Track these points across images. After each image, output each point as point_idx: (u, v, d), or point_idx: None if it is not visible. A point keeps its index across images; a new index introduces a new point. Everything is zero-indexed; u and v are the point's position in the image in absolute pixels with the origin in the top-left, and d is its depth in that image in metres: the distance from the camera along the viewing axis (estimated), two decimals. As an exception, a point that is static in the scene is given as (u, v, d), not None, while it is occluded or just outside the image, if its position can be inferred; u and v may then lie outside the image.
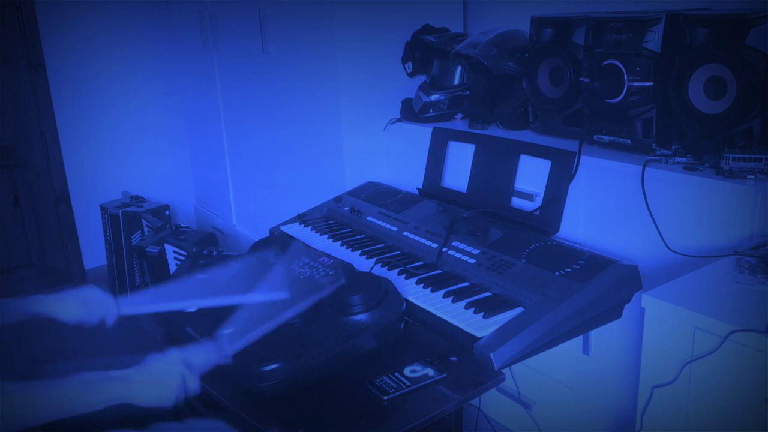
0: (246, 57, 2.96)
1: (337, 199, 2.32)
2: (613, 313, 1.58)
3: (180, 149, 4.02)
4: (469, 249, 1.78)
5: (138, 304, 1.53)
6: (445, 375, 1.38)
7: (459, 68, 2.41)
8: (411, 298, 1.63)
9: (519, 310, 1.52)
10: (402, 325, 1.51)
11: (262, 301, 1.45)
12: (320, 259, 1.76)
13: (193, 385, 1.24)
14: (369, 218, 2.14)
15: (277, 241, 1.95)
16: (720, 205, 1.50)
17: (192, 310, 1.57)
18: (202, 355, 1.28)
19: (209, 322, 1.52)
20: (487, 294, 1.62)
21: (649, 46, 1.69)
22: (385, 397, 1.32)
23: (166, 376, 1.21)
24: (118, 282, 3.58)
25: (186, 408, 1.50)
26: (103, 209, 3.57)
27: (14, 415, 1.09)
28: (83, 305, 1.44)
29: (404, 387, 1.34)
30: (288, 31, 2.63)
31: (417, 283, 1.71)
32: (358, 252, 1.95)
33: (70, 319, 1.44)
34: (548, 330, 1.44)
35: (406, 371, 1.40)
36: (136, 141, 3.94)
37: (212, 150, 3.59)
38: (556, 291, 1.51)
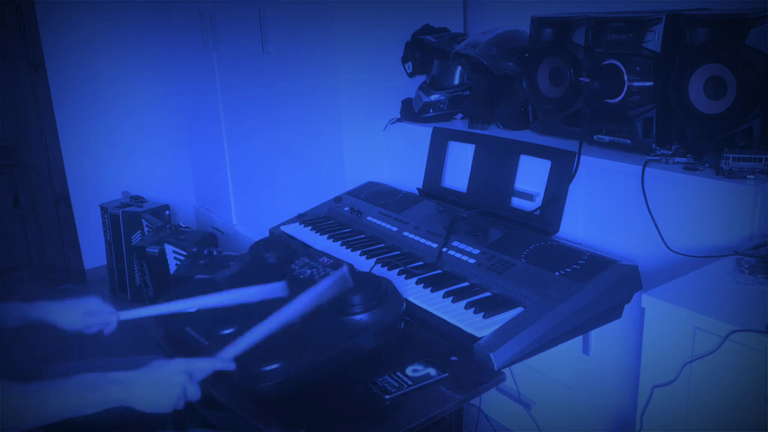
0: (246, 57, 2.96)
1: (337, 199, 2.32)
2: (613, 313, 1.58)
3: (180, 149, 4.03)
4: (469, 249, 1.78)
5: (138, 311, 1.54)
6: (446, 375, 1.38)
7: (459, 68, 2.41)
8: (411, 298, 1.63)
9: (519, 310, 1.52)
10: (402, 325, 1.51)
11: (260, 298, 1.45)
12: (320, 259, 1.76)
13: (193, 393, 1.24)
14: (369, 218, 2.14)
15: (277, 241, 1.95)
16: (720, 205, 1.50)
17: (191, 310, 1.57)
18: (206, 364, 1.28)
19: (209, 322, 1.52)
20: (487, 294, 1.62)
21: (649, 46, 1.69)
22: (387, 397, 1.32)
23: (166, 382, 1.21)
24: (118, 282, 3.58)
25: (186, 409, 1.51)
26: (103, 209, 3.58)
27: (13, 416, 1.09)
28: (85, 315, 1.46)
29: (406, 386, 1.34)
30: (288, 31, 2.63)
31: (417, 283, 1.71)
32: (358, 252, 1.95)
33: (70, 327, 1.46)
34: (548, 330, 1.44)
35: (408, 371, 1.39)
36: (136, 141, 3.94)
37: (212, 150, 3.60)
38: (556, 291, 1.52)
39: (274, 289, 1.47)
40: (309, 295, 1.39)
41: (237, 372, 1.34)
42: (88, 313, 1.46)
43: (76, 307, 1.46)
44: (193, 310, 1.55)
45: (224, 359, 1.29)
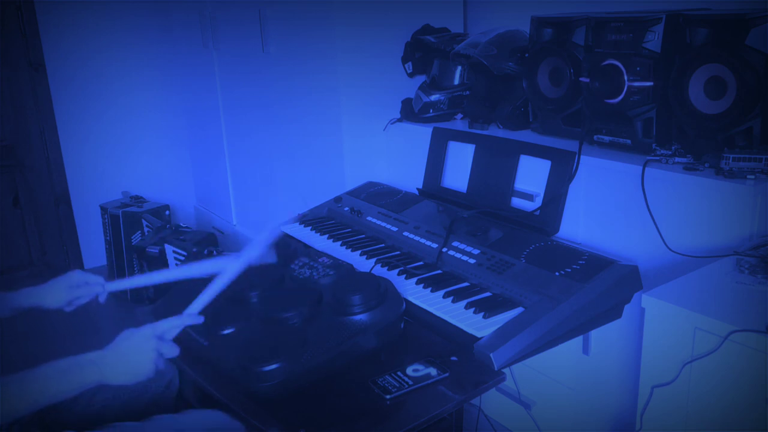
0: (246, 57, 2.96)
1: (337, 199, 2.32)
2: (613, 313, 1.58)
3: (180, 149, 4.02)
4: (469, 249, 1.78)
5: (124, 281, 1.57)
6: (447, 374, 1.38)
7: (459, 68, 2.41)
8: (411, 298, 1.63)
9: (519, 310, 1.52)
10: (402, 325, 1.51)
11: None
12: (320, 260, 1.76)
13: (170, 351, 1.25)
14: (369, 218, 2.14)
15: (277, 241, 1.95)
16: (720, 205, 1.50)
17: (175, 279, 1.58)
18: (174, 322, 1.30)
19: (209, 322, 1.52)
20: (487, 294, 1.62)
21: (649, 46, 1.69)
22: (388, 396, 1.32)
23: (137, 350, 1.22)
24: (118, 282, 3.58)
25: (184, 405, 1.51)
26: (103, 209, 3.58)
27: None
28: (70, 288, 1.46)
29: (407, 386, 1.34)
30: (288, 31, 2.63)
31: (417, 283, 1.71)
32: (358, 252, 1.95)
33: (60, 304, 1.46)
34: (548, 330, 1.44)
35: (409, 370, 1.40)
36: (136, 141, 3.94)
37: (212, 150, 3.60)
38: (556, 291, 1.51)
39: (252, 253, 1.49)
40: (246, 251, 1.46)
41: (237, 372, 1.35)
42: (73, 286, 1.47)
43: (60, 284, 1.46)
44: (169, 279, 1.57)
45: (190, 314, 1.34)
